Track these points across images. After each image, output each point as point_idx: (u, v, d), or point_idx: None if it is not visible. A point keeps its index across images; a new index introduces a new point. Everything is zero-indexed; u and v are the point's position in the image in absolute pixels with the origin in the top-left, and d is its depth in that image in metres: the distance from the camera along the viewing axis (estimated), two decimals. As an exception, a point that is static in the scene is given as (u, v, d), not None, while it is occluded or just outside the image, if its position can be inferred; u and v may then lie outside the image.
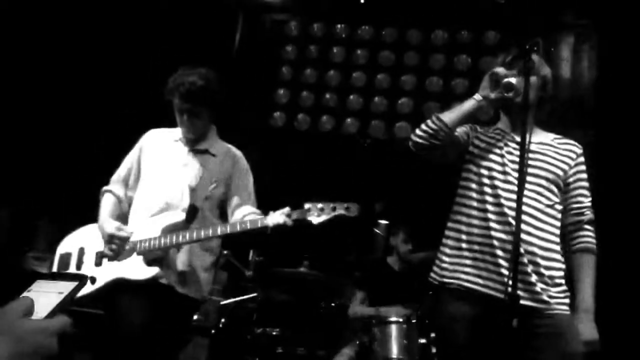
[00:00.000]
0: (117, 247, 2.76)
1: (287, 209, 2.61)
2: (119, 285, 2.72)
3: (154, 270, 2.70)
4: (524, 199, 2.16)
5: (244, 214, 2.86)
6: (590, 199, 2.46)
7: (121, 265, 2.76)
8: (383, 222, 4.96)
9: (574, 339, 2.24)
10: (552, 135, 2.52)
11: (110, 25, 5.61)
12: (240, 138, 3.25)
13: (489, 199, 2.36)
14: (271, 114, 6.24)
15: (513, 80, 2.35)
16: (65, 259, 2.93)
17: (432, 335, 3.97)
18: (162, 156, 2.97)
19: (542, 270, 2.26)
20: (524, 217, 2.18)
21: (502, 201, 2.32)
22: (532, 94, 2.30)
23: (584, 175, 2.47)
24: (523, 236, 2.19)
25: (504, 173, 2.38)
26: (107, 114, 5.47)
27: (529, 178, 2.27)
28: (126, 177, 3.04)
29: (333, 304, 4.76)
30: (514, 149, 2.41)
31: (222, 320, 4.30)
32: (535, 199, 2.33)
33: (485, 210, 2.35)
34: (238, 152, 3.06)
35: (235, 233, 2.67)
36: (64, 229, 3.07)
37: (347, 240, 4.87)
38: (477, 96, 2.41)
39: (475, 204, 2.40)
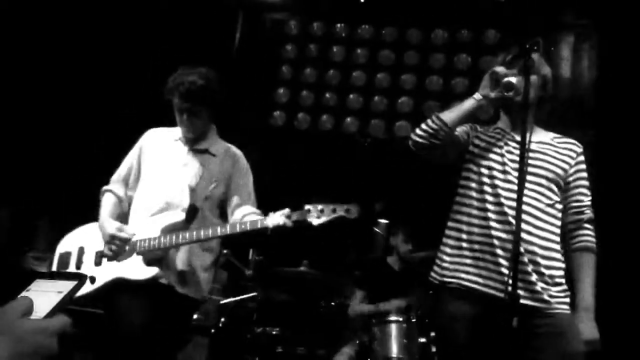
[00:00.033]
0: (117, 248, 2.76)
1: (286, 210, 2.61)
2: (119, 285, 2.72)
3: (153, 270, 2.70)
4: (524, 199, 2.16)
5: (244, 213, 2.86)
6: (590, 197, 2.46)
7: (121, 265, 2.76)
8: (383, 221, 4.96)
9: (575, 338, 2.24)
10: (552, 135, 2.52)
11: (110, 25, 5.61)
12: (240, 137, 3.25)
13: (489, 198, 2.36)
14: (271, 113, 6.24)
15: (513, 79, 2.34)
16: (65, 258, 2.93)
17: (432, 334, 3.98)
18: (162, 156, 2.97)
19: (543, 270, 2.26)
20: (524, 216, 2.18)
21: (502, 200, 2.32)
22: (532, 93, 2.29)
23: (584, 174, 2.47)
24: (523, 235, 2.19)
25: (504, 172, 2.38)
26: (107, 114, 5.47)
27: (529, 177, 2.27)
28: (126, 176, 3.04)
29: (333, 304, 4.77)
30: (514, 148, 2.40)
31: (222, 319, 4.30)
32: (536, 198, 2.33)
33: (486, 210, 2.35)
34: (238, 152, 3.06)
35: (235, 234, 2.67)
36: (64, 229, 3.06)
37: (346, 242, 4.87)
38: (477, 95, 2.41)
39: (475, 203, 2.39)
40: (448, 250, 2.43)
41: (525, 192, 2.21)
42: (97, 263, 2.83)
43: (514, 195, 2.11)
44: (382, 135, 6.00)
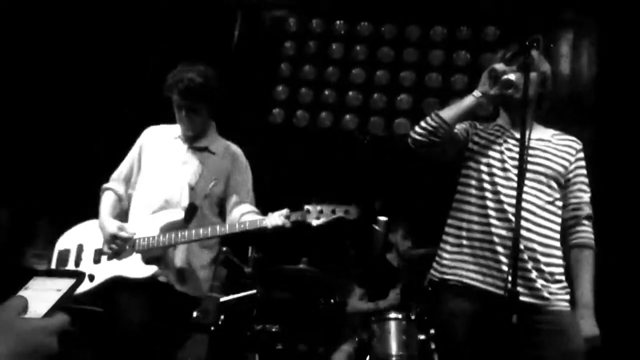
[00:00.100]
0: (118, 248, 2.76)
1: (286, 211, 2.61)
2: (118, 283, 2.72)
3: (152, 269, 2.70)
4: (524, 196, 2.16)
5: (242, 212, 2.86)
6: (589, 194, 2.46)
7: (120, 263, 2.76)
8: (382, 218, 4.96)
9: (575, 335, 2.24)
10: (551, 131, 2.52)
11: (109, 23, 5.60)
12: (239, 135, 3.25)
13: (489, 195, 2.35)
14: (270, 111, 6.23)
15: (512, 76, 2.34)
16: (64, 255, 2.93)
17: (432, 331, 3.98)
18: (161, 153, 2.97)
19: (542, 267, 2.26)
20: (524, 213, 2.18)
21: (502, 198, 2.32)
22: (532, 90, 2.29)
23: (584, 171, 2.47)
24: (523, 232, 2.19)
25: (504, 169, 2.37)
26: (107, 113, 5.46)
27: (528, 174, 2.27)
28: (127, 174, 3.03)
29: (332, 301, 4.77)
30: (514, 145, 2.40)
31: (222, 317, 4.30)
32: (536, 196, 2.33)
33: (485, 207, 2.35)
34: (237, 149, 3.06)
35: (234, 233, 2.68)
36: (64, 228, 3.06)
37: (345, 242, 4.87)
38: (477, 93, 2.41)
39: (475, 200, 2.39)
40: (448, 247, 2.43)
41: (525, 189, 2.22)
42: (96, 261, 2.83)
43: (514, 193, 2.11)
44: (381, 132, 5.99)
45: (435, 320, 3.43)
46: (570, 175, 2.43)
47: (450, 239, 2.43)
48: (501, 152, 2.42)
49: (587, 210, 2.43)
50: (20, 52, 5.17)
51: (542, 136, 2.46)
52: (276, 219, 2.60)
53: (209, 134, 3.02)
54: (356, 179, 5.44)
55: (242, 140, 3.16)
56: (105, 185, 3.02)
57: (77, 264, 2.87)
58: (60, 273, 0.99)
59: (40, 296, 0.93)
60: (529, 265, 2.25)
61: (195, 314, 3.98)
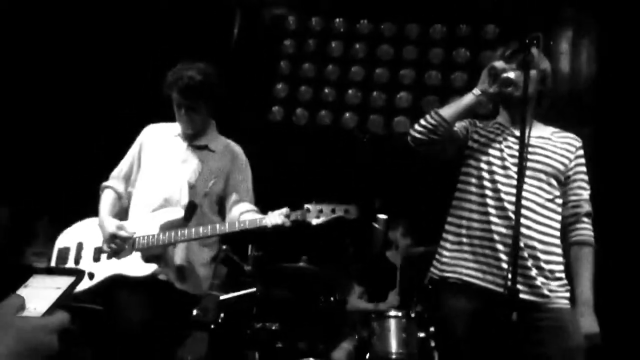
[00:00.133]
0: (117, 247, 2.76)
1: (285, 210, 2.60)
2: (118, 282, 2.72)
3: (152, 267, 2.70)
4: (524, 193, 2.16)
5: (242, 211, 2.86)
6: (588, 192, 2.46)
7: (119, 261, 2.76)
8: (382, 216, 4.96)
9: (576, 332, 2.24)
10: (551, 129, 2.52)
11: (109, 22, 5.59)
12: (239, 133, 3.24)
13: (489, 193, 2.36)
14: (270, 109, 6.23)
15: (511, 74, 2.34)
16: (64, 253, 2.93)
17: (431, 329, 3.98)
18: (161, 152, 2.97)
19: (542, 264, 2.26)
20: (523, 211, 2.18)
21: (502, 195, 2.32)
22: (531, 88, 2.29)
23: (583, 168, 2.47)
24: (523, 230, 2.19)
25: (504, 167, 2.37)
26: (107, 112, 5.45)
27: (528, 172, 2.27)
28: (127, 172, 3.03)
29: (332, 299, 4.77)
30: (514, 143, 2.40)
31: (222, 315, 4.30)
32: (535, 193, 2.33)
33: (485, 205, 2.35)
34: (237, 147, 3.06)
35: (234, 232, 2.68)
36: (64, 227, 3.06)
37: (345, 241, 4.87)
38: (476, 91, 2.41)
39: (475, 198, 2.39)
40: (448, 245, 2.43)
41: (525, 187, 2.22)
42: (96, 259, 2.83)
43: (514, 190, 2.11)
44: (380, 130, 5.98)
45: (435, 318, 3.44)
46: (570, 172, 2.43)
47: (450, 237, 2.43)
48: (501, 150, 2.42)
49: (587, 207, 2.43)
50: (20, 51, 5.17)
51: (541, 134, 2.46)
52: (276, 218, 2.60)
53: (209, 132, 3.02)
54: (356, 177, 5.44)
55: (242, 138, 3.16)
56: (105, 184, 3.02)
57: (77, 262, 2.87)
58: (59, 271, 0.99)
59: (40, 294, 0.93)
60: (529, 262, 2.25)
61: (195, 312, 3.99)
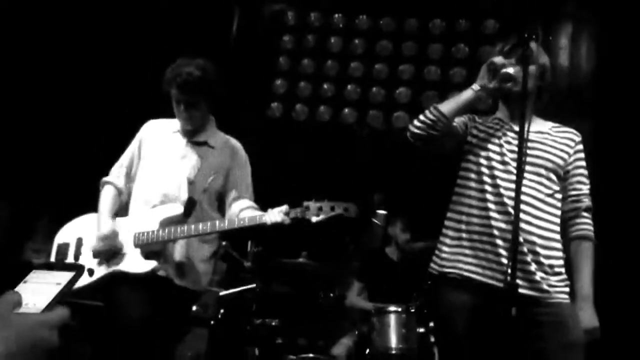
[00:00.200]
0: (102, 250, 2.75)
1: (285, 207, 2.61)
2: (118, 278, 2.72)
3: (151, 263, 2.70)
4: (524, 189, 2.16)
5: (241, 207, 2.86)
6: (588, 186, 2.46)
7: (119, 258, 2.76)
8: (381, 212, 4.96)
9: (575, 327, 2.24)
10: (550, 124, 2.52)
11: (108, 19, 5.58)
12: (238, 129, 3.24)
13: (489, 188, 2.35)
14: (269, 105, 6.22)
15: (511, 70, 2.34)
16: (63, 249, 2.92)
17: (431, 324, 3.99)
18: (160, 148, 2.96)
19: (542, 260, 2.26)
20: (523, 206, 2.17)
21: (502, 191, 2.31)
22: (531, 83, 2.28)
23: (583, 163, 2.46)
24: (522, 225, 2.19)
25: (503, 163, 2.37)
26: (106, 110, 5.44)
27: (528, 167, 2.27)
28: (127, 168, 3.02)
29: (332, 295, 4.77)
30: (513, 138, 2.40)
31: (221, 311, 4.30)
32: (535, 188, 2.33)
33: (485, 200, 2.34)
34: (237, 144, 3.05)
35: (233, 229, 2.68)
36: (63, 224, 3.05)
37: (345, 238, 4.88)
38: (475, 86, 2.40)
39: (474, 193, 2.39)
40: (447, 240, 2.43)
41: (525, 182, 2.21)
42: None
43: (513, 186, 2.10)
44: (380, 126, 5.98)
45: (435, 314, 3.44)
46: (570, 167, 2.43)
47: (450, 232, 2.43)
48: (500, 146, 2.42)
49: (587, 202, 2.43)
50: (19, 50, 5.16)
51: (541, 129, 2.45)
52: (275, 215, 2.60)
53: (208, 128, 3.01)
54: (355, 172, 5.44)
55: (241, 134, 3.16)
56: (105, 179, 3.01)
57: (76, 257, 2.87)
58: (59, 266, 0.98)
59: (40, 290, 0.92)
60: (529, 257, 2.25)
61: (194, 308, 3.99)
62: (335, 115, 6.11)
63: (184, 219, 2.76)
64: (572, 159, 2.43)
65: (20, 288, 0.93)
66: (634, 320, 4.49)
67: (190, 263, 2.80)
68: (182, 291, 2.79)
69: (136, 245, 2.74)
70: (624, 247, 4.58)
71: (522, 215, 2.11)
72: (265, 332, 4.24)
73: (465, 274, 2.32)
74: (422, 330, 3.99)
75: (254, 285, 4.38)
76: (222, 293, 4.42)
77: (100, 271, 2.76)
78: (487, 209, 2.33)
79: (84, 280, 2.72)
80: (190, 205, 2.79)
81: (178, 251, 2.78)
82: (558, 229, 2.36)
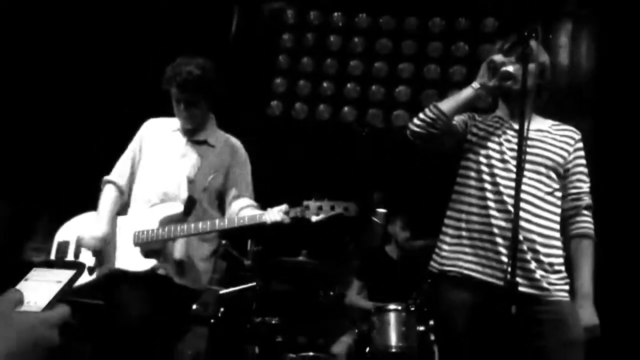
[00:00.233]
0: (92, 248, 2.75)
1: (284, 206, 2.61)
2: (117, 276, 2.72)
3: (151, 262, 2.70)
4: (523, 187, 2.16)
5: (241, 206, 2.86)
6: (588, 184, 2.46)
7: (118, 256, 2.76)
8: (381, 210, 4.96)
9: (575, 325, 2.24)
10: (550, 122, 2.52)
11: (107, 18, 5.57)
12: (237, 127, 3.24)
13: (488, 186, 2.35)
14: (268, 103, 6.22)
15: (510, 68, 2.34)
16: (63, 247, 2.92)
17: (431, 322, 3.99)
18: (160, 147, 2.96)
19: (542, 258, 2.26)
20: (523, 204, 2.17)
21: (502, 189, 2.32)
22: (530, 81, 2.29)
23: (583, 161, 2.46)
24: (522, 223, 2.19)
25: (503, 161, 2.37)
26: (106, 109, 5.44)
27: (527, 165, 2.27)
28: (129, 166, 3.02)
29: (332, 293, 4.77)
30: (513, 136, 2.40)
31: (221, 309, 4.30)
32: (535, 187, 2.33)
33: (485, 198, 2.35)
34: (237, 142, 3.05)
35: (232, 228, 2.68)
36: (63, 223, 3.05)
37: (345, 237, 4.88)
38: (475, 84, 2.40)
39: (474, 192, 2.39)
40: (447, 239, 2.43)
41: (524, 180, 2.22)
42: (95, 254, 2.82)
43: (513, 184, 2.10)
44: (379, 124, 5.98)
45: (435, 312, 3.44)
46: (570, 165, 2.43)
47: (450, 231, 2.43)
48: (500, 144, 2.42)
49: (587, 200, 2.43)
50: (19, 49, 5.15)
51: (540, 127, 2.45)
52: (275, 214, 2.60)
53: (208, 127, 3.01)
54: (355, 171, 5.44)
55: (240, 133, 3.15)
56: (107, 178, 3.00)
57: (76, 256, 2.87)
58: (60, 264, 0.98)
59: (41, 287, 0.92)
60: (528, 256, 2.25)
61: (195, 306, 3.99)
62: (335, 114, 6.11)
63: (184, 217, 2.76)
64: (572, 157, 2.43)
65: (21, 286, 0.92)
66: (634, 318, 4.49)
67: (190, 262, 2.80)
68: (182, 290, 2.79)
69: (136, 244, 2.74)
70: (624, 245, 4.58)
71: (521, 214, 2.11)
72: (265, 330, 4.25)
73: (465, 272, 2.32)
74: (422, 328, 3.99)
75: (254, 283, 4.39)
76: (222, 292, 4.42)
77: (103, 266, 2.76)
78: (486, 207, 2.33)
79: (84, 278, 2.72)
80: (190, 204, 2.79)
81: (178, 250, 2.78)
82: (558, 227, 2.36)
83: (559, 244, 2.34)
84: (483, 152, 2.43)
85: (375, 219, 5.04)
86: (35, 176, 5.14)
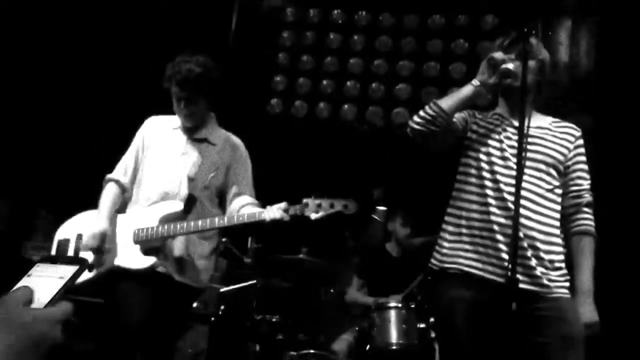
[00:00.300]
0: (90, 246, 2.75)
1: (284, 204, 2.61)
2: (118, 274, 2.72)
3: (151, 260, 2.70)
4: (524, 184, 2.16)
5: (242, 204, 2.86)
6: (589, 181, 2.46)
7: (119, 254, 2.76)
8: (381, 208, 4.96)
9: (576, 322, 2.25)
10: (550, 119, 2.52)
11: (107, 16, 5.57)
12: (237, 125, 3.24)
13: (489, 184, 2.36)
14: (268, 101, 6.22)
15: (510, 66, 2.34)
16: (63, 245, 2.92)
17: (431, 320, 3.99)
18: (161, 145, 2.96)
19: (542, 255, 2.27)
20: (523, 201, 2.17)
21: (502, 186, 2.32)
22: (530, 78, 2.29)
23: (583, 158, 2.46)
24: (522, 220, 2.19)
25: (503, 158, 2.37)
26: (106, 107, 5.44)
27: (528, 163, 2.27)
28: (132, 164, 3.01)
29: (332, 290, 4.78)
30: (513, 133, 2.40)
31: (222, 307, 4.31)
32: (535, 184, 2.33)
33: (485, 196, 2.35)
34: (237, 140, 3.05)
35: (232, 226, 2.68)
36: (63, 221, 3.05)
37: (345, 235, 4.88)
38: (475, 82, 2.40)
39: (474, 189, 2.40)
40: (447, 236, 2.43)
41: (525, 177, 2.22)
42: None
43: (513, 181, 2.10)
44: (379, 122, 5.97)
45: (435, 309, 3.44)
46: (570, 162, 2.43)
47: (450, 228, 2.43)
48: (500, 141, 2.42)
49: (588, 197, 2.43)
50: (19, 49, 5.15)
51: (540, 124, 2.45)
52: (274, 212, 2.60)
53: (209, 125, 3.01)
54: (355, 169, 5.43)
55: (240, 131, 3.15)
56: (109, 176, 3.00)
57: (76, 254, 2.86)
58: (63, 259, 0.98)
59: (43, 283, 0.92)
60: (529, 253, 2.25)
61: (195, 304, 3.99)
62: (335, 112, 6.10)
63: (184, 215, 2.76)
64: (572, 154, 2.43)
65: (24, 282, 0.92)
66: (635, 315, 4.49)
67: (190, 259, 2.81)
68: (182, 287, 2.79)
69: (136, 242, 2.75)
70: (624, 242, 4.58)
71: (522, 211, 2.11)
72: (266, 328, 4.25)
73: (466, 269, 2.32)
74: (422, 325, 3.99)
75: (254, 281, 4.39)
76: (222, 289, 4.43)
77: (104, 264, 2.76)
78: (487, 204, 2.33)
79: (84, 275, 2.71)
80: (190, 202, 2.79)
81: (178, 247, 2.78)
82: (558, 224, 2.36)
83: (559, 240, 2.34)
84: (483, 149, 2.43)
85: (375, 217, 5.04)
86: (36, 175, 5.14)
